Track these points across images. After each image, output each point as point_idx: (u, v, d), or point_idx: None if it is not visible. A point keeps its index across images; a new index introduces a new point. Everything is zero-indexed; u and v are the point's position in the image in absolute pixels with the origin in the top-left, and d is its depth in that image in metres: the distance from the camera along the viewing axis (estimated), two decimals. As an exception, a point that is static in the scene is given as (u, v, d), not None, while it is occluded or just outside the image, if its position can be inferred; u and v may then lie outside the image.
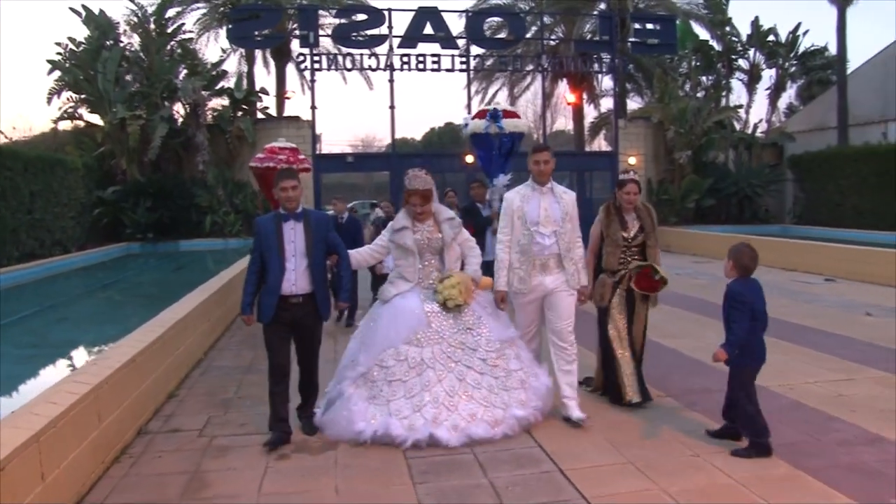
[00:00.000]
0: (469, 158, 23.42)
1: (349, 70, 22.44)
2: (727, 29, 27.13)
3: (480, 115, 9.46)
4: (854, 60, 27.35)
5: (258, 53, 27.09)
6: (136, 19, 24.10)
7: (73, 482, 4.22)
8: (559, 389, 5.58)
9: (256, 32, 22.52)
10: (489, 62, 27.43)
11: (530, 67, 26.56)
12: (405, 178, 5.50)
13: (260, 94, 24.47)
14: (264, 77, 27.39)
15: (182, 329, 7.22)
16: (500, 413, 5.12)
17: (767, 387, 6.03)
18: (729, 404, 4.92)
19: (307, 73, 21.91)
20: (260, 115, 23.91)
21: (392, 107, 22.15)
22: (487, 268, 5.90)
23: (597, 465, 4.70)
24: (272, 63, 27.94)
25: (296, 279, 5.19)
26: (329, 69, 21.94)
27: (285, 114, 25.68)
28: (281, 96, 26.96)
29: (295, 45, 26.08)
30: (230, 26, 22.89)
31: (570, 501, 4.15)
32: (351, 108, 66.14)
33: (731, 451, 4.75)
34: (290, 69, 27.79)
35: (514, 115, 9.53)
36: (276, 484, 4.52)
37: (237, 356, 8.24)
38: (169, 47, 24.02)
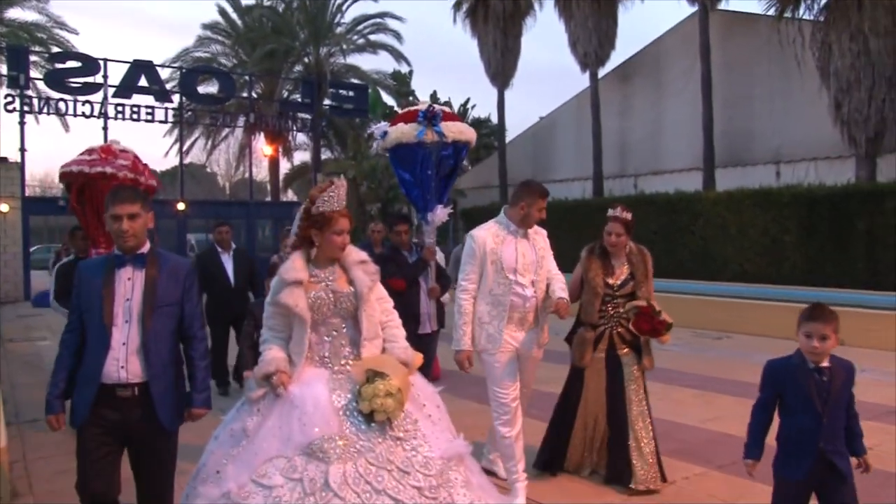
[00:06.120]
0: (181, 206, 24.64)
1: (63, 115, 22.68)
2: (411, 98, 31.27)
3: (406, 117, 6.51)
4: (513, 130, 32.84)
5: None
6: None
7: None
8: (488, 446, 5.24)
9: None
10: (199, 114, 28.97)
11: (240, 122, 28.40)
12: (326, 196, 3.48)
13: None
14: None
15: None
16: None
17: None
18: None
19: (15, 115, 21.67)
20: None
21: (105, 153, 22.75)
22: (425, 342, 5.55)
23: None
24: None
25: (125, 359, 3.40)
26: (41, 112, 22.05)
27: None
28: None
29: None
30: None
31: None
32: (36, 148, 62.04)
33: None
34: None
35: (454, 117, 6.68)
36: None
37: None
38: None
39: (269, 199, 35.79)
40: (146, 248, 3.54)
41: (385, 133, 6.48)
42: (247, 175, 29.21)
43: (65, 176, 6.55)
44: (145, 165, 6.67)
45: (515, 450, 4.72)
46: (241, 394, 3.63)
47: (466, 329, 4.72)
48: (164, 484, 3.61)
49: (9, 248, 21.20)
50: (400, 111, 30.11)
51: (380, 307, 3.62)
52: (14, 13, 28.12)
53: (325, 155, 33.70)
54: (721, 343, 11.66)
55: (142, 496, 3.59)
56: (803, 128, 20.59)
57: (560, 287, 4.83)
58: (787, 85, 20.83)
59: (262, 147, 31.32)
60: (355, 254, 3.60)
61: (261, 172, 42.76)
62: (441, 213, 6.69)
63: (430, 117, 6.28)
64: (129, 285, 3.46)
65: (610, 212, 5.08)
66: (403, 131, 6.35)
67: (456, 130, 6.42)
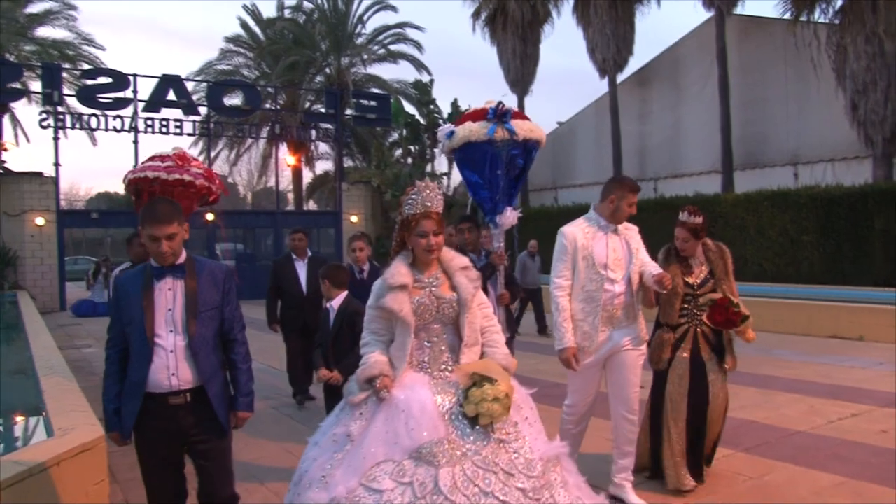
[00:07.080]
0: (209, 216, 25.10)
1: (94, 130, 23.24)
2: (432, 107, 31.81)
3: (474, 116, 6.15)
4: (531, 136, 33.14)
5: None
6: None
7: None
8: (612, 466, 4.80)
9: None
10: (225, 126, 29.60)
11: (264, 133, 29.02)
12: (409, 200, 3.53)
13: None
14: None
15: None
16: None
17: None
18: None
19: (48, 131, 22.31)
20: (-7, 169, 23.88)
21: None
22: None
23: None
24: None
25: (176, 366, 3.44)
26: (73, 128, 22.63)
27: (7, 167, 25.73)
28: (-2, 147, 26.87)
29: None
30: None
31: None
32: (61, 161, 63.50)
33: None
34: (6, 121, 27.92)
35: (523, 116, 6.33)
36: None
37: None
38: None
39: (290, 207, 36.43)
40: (183, 258, 3.55)
41: (452, 133, 6.04)
42: (268, 185, 29.85)
43: (135, 182, 6.28)
44: (214, 173, 6.49)
45: (574, 441, 4.65)
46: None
47: (567, 325, 4.64)
48: (225, 480, 3.65)
49: (45, 260, 21.82)
50: (422, 120, 30.71)
51: (481, 312, 3.58)
52: (44, 31, 28.95)
53: (348, 164, 34.30)
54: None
55: (205, 494, 3.64)
56: (820, 129, 20.89)
57: (654, 266, 4.73)
58: (803, 87, 21.14)
59: (286, 157, 31.94)
60: (458, 259, 3.59)
61: (283, 182, 43.55)
62: (511, 216, 6.28)
63: (501, 114, 5.94)
64: (171, 295, 3.48)
65: (680, 215, 5.01)
66: (472, 129, 5.93)
67: (526, 129, 6.04)
